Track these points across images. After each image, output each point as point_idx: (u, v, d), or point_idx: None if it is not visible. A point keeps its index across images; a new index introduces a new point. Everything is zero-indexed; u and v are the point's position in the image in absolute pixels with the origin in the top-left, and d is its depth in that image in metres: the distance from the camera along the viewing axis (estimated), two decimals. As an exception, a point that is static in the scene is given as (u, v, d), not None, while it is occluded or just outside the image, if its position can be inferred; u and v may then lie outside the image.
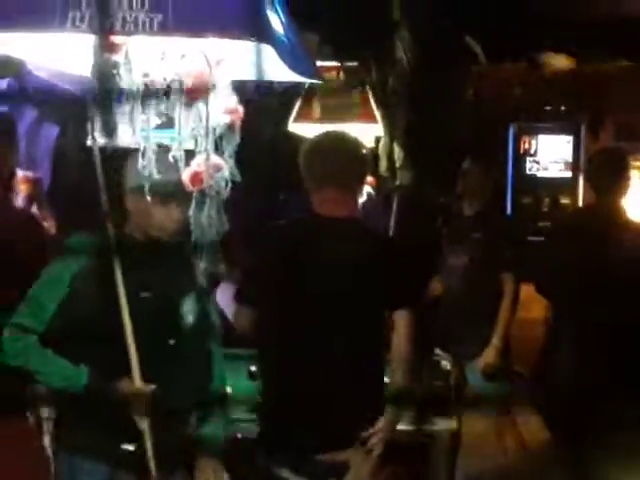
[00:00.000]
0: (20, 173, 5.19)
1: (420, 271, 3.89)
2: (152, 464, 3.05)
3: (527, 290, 5.00)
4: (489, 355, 5.17)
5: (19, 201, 5.11)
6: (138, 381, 3.04)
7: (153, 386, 3.05)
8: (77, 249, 3.14)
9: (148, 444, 3.05)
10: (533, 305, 5.10)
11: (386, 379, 3.47)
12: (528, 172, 7.45)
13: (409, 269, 3.42)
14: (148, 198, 3.07)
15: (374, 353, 3.31)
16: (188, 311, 3.15)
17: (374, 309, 3.29)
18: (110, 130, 3.21)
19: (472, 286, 5.25)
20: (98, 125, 3.17)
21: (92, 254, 3.09)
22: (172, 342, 3.12)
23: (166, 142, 3.31)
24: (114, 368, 3.04)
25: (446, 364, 4.69)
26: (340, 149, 3.40)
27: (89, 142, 3.18)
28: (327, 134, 3.58)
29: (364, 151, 3.61)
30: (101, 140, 3.21)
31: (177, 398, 3.11)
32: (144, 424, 3.05)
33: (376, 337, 3.31)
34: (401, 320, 3.29)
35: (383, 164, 6.48)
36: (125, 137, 3.26)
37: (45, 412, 4.37)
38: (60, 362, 3.05)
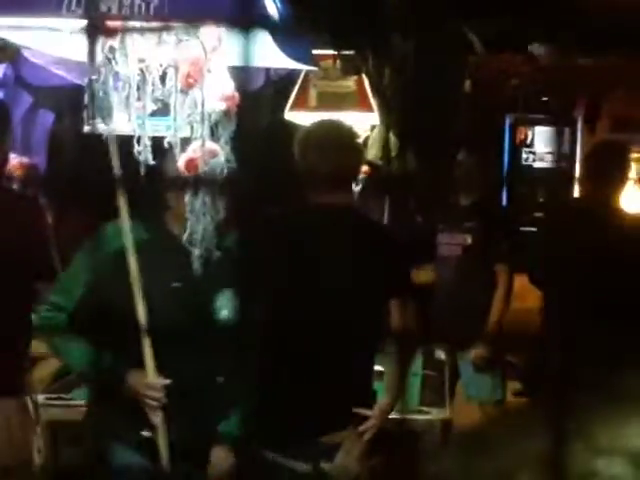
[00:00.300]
0: (15, 159, 5.18)
1: (414, 259, 3.91)
2: (165, 457, 3.04)
3: (522, 280, 5.00)
4: (481, 346, 5.18)
5: (14, 187, 5.11)
6: (151, 374, 3.03)
7: (166, 380, 3.03)
8: (110, 236, 3.14)
9: (161, 438, 3.03)
10: (528, 295, 5.10)
11: (380, 367, 3.49)
12: (524, 163, 7.45)
13: (404, 256, 3.43)
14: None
15: (370, 339, 3.33)
16: (222, 306, 3.14)
17: (371, 296, 3.29)
18: (105, 116, 3.20)
19: (465, 277, 5.26)
20: (93, 111, 3.16)
21: (123, 242, 3.09)
22: (195, 334, 3.07)
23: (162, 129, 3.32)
24: (133, 357, 3.03)
25: (440, 354, 4.70)
26: (335, 138, 3.40)
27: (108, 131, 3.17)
28: (321, 122, 3.59)
29: (358, 139, 3.62)
30: (98, 126, 3.21)
31: (195, 394, 3.09)
32: (157, 418, 3.03)
33: (372, 323, 3.32)
34: (398, 308, 3.30)
35: (379, 153, 6.47)
36: (121, 123, 3.26)
37: (41, 399, 4.38)
38: (81, 345, 3.08)
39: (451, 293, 5.28)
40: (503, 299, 5.20)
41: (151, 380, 3.02)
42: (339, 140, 3.39)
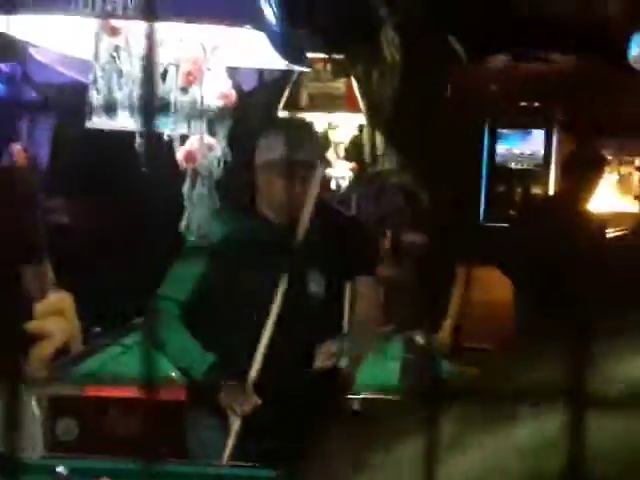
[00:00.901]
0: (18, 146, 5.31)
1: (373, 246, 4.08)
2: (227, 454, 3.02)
3: (492, 273, 5.26)
4: (443, 334, 5.51)
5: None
6: (250, 387, 3.00)
7: (259, 400, 2.99)
8: (214, 226, 3.18)
9: (230, 440, 3.02)
10: (498, 287, 5.40)
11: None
12: (502, 165, 7.59)
13: (364, 242, 3.56)
14: (278, 175, 3.10)
15: (333, 320, 3.36)
16: (315, 293, 3.14)
17: (334, 278, 3.31)
18: (110, 113, 3.34)
19: (425, 274, 5.58)
20: (98, 109, 3.29)
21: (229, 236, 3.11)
22: (295, 320, 3.04)
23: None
24: (237, 360, 3.01)
25: (419, 339, 4.89)
26: (292, 132, 3.41)
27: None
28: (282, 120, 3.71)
29: (317, 132, 3.79)
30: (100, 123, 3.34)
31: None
32: (235, 423, 3.01)
33: (335, 305, 3.36)
34: (361, 289, 3.37)
35: (366, 151, 6.69)
36: (124, 120, 3.40)
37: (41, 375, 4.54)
38: (189, 341, 3.04)
39: (412, 289, 5.56)
40: (460, 292, 5.55)
41: (247, 395, 2.99)
42: (300, 134, 3.42)
